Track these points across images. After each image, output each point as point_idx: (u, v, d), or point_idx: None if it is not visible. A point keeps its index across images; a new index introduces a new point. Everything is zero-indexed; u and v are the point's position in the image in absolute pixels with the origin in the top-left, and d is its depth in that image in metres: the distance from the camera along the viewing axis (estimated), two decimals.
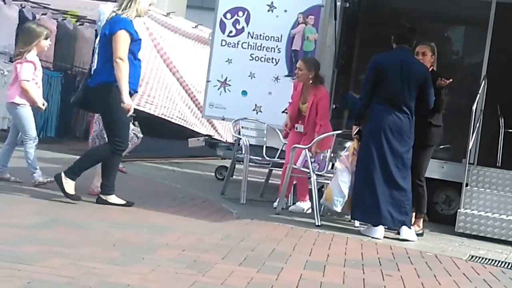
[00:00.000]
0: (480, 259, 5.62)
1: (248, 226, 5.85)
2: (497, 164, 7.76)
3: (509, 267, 5.45)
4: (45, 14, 11.30)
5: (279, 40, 8.04)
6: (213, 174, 9.54)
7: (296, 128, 7.01)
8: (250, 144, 7.27)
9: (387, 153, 5.96)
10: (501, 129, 8.04)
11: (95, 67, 5.81)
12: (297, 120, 7.05)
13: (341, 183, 6.05)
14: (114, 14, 5.75)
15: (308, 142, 6.75)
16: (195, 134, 10.54)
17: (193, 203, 6.54)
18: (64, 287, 3.31)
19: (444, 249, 5.86)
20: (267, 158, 7.42)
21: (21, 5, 10.89)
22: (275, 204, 6.83)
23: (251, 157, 7.22)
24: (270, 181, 7.85)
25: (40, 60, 11.06)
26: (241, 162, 7.37)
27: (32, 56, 6.37)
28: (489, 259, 5.63)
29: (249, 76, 8.12)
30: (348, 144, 6.42)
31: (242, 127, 7.99)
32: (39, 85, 6.46)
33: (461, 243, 6.29)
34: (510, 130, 8.01)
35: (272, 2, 8.03)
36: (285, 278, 4.09)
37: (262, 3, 8.03)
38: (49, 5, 11.25)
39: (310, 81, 6.93)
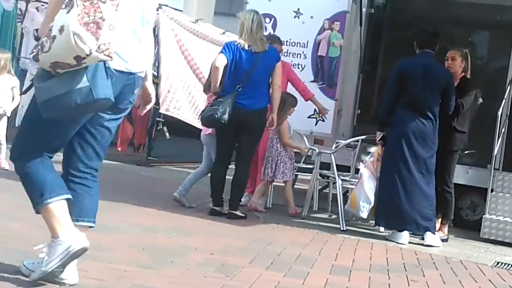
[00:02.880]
0: (506, 265, 5.57)
1: (275, 231, 5.86)
2: None
3: None
4: None
5: (305, 46, 8.04)
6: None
7: None
8: None
9: (410, 159, 5.92)
10: None
11: (245, 89, 6.01)
12: None
13: (368, 189, 6.02)
14: (266, 46, 6.11)
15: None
16: None
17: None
18: None
19: (469, 255, 5.81)
20: (294, 164, 7.40)
21: None
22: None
23: None
24: (295, 186, 7.83)
25: None
26: None
27: None
28: None
29: None
30: (373, 149, 6.41)
31: None
32: None
33: (486, 249, 6.23)
34: None
35: (298, 9, 8.04)
36: (311, 283, 4.10)
37: (289, 9, 8.04)
38: None
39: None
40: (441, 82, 6.02)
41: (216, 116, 5.90)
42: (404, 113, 5.97)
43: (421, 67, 5.99)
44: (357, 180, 6.37)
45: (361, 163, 6.52)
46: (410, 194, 5.91)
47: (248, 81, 5.99)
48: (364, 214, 6.06)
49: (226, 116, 5.92)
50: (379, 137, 6.16)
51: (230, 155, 6.25)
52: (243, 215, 6.14)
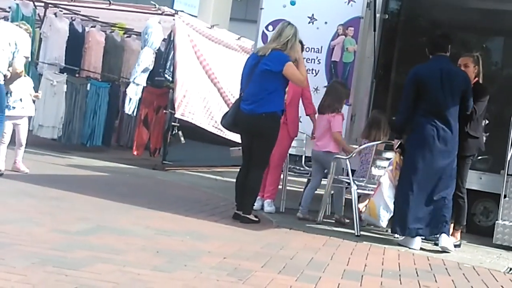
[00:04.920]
0: None
1: (287, 235, 5.86)
2: None
3: None
4: (94, 27, 11.55)
5: (319, 51, 8.04)
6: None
7: None
8: (289, 154, 7.27)
9: (430, 166, 5.80)
10: None
11: (246, 94, 6.15)
12: None
13: (387, 198, 5.92)
14: (272, 50, 6.09)
15: (292, 130, 6.90)
16: (237, 143, 10.61)
17: (234, 211, 6.57)
18: None
19: (482, 261, 5.77)
20: (306, 168, 7.43)
21: (71, 18, 11.15)
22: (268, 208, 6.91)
23: (291, 166, 7.24)
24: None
25: (88, 71, 11.45)
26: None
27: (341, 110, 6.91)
28: None
29: None
30: (388, 155, 6.39)
31: None
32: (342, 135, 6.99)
33: (499, 255, 6.17)
34: None
35: (312, 14, 8.04)
36: (323, 287, 4.09)
37: (303, 15, 8.04)
38: (98, 18, 11.47)
39: None
40: (459, 85, 5.90)
41: (221, 120, 6.47)
42: (423, 120, 5.84)
43: (438, 71, 5.87)
44: (372, 186, 6.37)
45: (374, 168, 6.50)
46: (427, 202, 5.80)
47: (249, 85, 6.11)
48: (384, 223, 5.98)
49: (225, 120, 6.29)
50: (397, 145, 6.09)
51: (250, 159, 6.28)
52: (257, 219, 6.15)
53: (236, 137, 10.68)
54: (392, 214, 5.95)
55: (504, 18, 8.22)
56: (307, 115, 7.22)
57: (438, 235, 5.92)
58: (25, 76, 7.73)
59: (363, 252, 5.46)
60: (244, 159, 6.31)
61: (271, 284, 3.98)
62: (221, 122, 6.54)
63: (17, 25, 7.53)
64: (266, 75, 6.04)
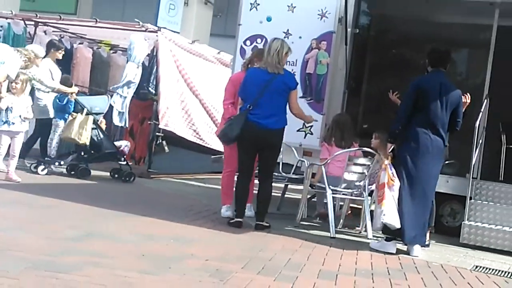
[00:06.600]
0: (484, 269, 5.60)
1: (266, 238, 5.91)
2: (500, 179, 7.73)
3: None
4: (82, 43, 11.53)
5: (294, 64, 8.12)
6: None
7: None
8: None
9: (422, 175, 5.81)
10: (503, 146, 8.03)
11: (261, 109, 6.12)
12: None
13: (397, 200, 5.79)
14: (281, 70, 6.20)
15: None
16: (218, 151, 10.64)
17: (216, 216, 6.61)
18: None
19: (449, 260, 5.86)
20: (283, 174, 7.49)
21: (60, 35, 11.12)
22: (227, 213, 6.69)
23: None
24: (286, 195, 7.90)
25: (76, 85, 11.42)
26: None
27: None
28: (492, 269, 5.62)
29: None
30: (361, 161, 6.49)
31: None
32: None
33: (465, 254, 6.27)
34: None
35: (288, 30, 8.12)
36: (300, 286, 4.15)
37: (279, 30, 8.11)
38: (85, 35, 11.46)
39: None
40: (454, 101, 5.93)
41: (224, 132, 6.26)
42: (419, 130, 5.84)
43: (438, 85, 5.89)
44: (347, 191, 6.45)
45: (347, 173, 6.56)
46: (416, 209, 5.78)
47: (266, 100, 6.09)
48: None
49: (234, 133, 6.13)
50: (390, 149, 6.11)
51: (252, 168, 6.34)
52: (268, 224, 6.23)
53: (216, 146, 10.76)
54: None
55: (468, 31, 8.38)
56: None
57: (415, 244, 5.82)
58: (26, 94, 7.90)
59: (337, 253, 5.52)
60: (247, 168, 6.25)
61: (250, 284, 4.03)
62: (220, 135, 6.40)
63: (18, 50, 7.59)
64: (285, 92, 6.15)
